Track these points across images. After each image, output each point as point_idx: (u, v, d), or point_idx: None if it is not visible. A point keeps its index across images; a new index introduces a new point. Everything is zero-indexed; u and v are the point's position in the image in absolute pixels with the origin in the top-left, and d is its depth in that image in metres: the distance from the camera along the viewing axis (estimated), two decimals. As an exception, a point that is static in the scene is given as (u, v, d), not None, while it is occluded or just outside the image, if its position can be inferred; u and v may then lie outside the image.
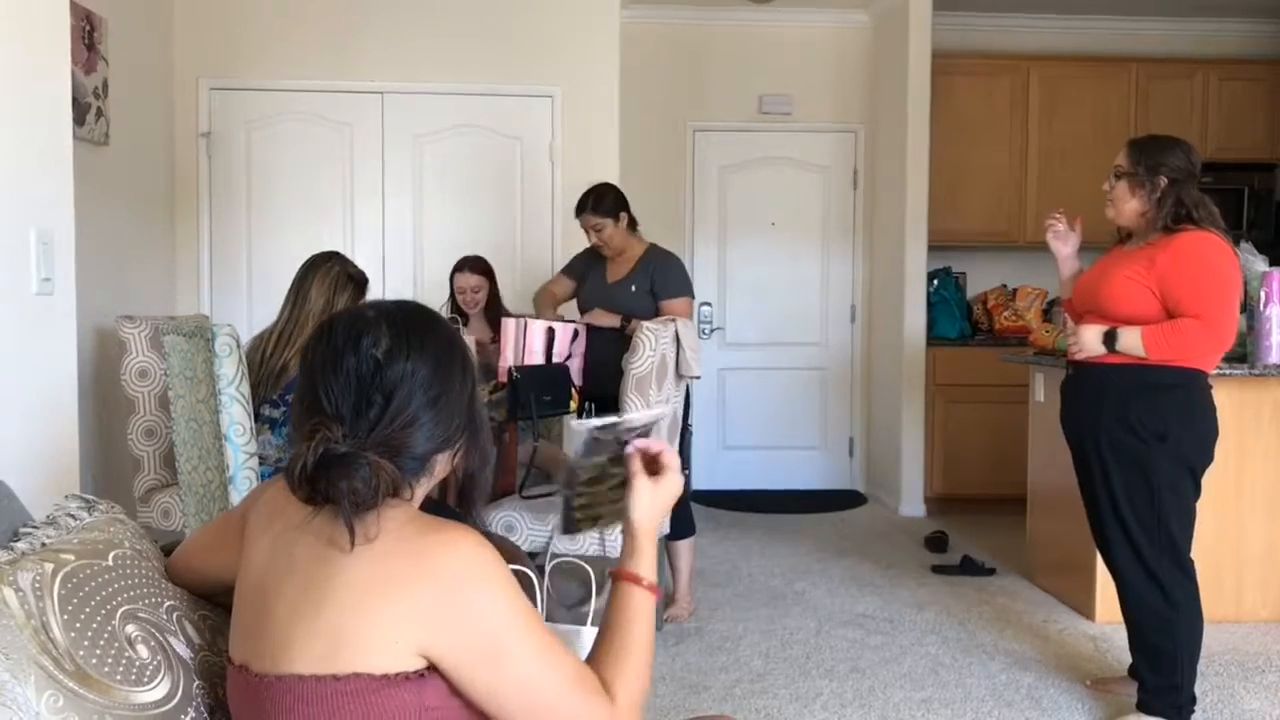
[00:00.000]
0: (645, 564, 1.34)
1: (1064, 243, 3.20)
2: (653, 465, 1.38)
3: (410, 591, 1.16)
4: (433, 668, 1.17)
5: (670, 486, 1.38)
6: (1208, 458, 2.89)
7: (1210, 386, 2.87)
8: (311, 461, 1.18)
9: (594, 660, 1.28)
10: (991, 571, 4.58)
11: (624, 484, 1.37)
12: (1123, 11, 6.25)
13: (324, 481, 1.17)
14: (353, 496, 1.16)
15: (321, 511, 1.20)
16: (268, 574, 1.23)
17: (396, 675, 1.15)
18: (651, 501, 1.36)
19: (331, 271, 3.13)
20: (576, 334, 3.78)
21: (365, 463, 1.18)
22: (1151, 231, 2.89)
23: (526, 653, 1.18)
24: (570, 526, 1.39)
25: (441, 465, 1.30)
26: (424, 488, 1.29)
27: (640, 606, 1.32)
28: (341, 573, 1.17)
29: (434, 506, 1.33)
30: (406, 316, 1.29)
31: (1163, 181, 2.85)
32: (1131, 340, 2.81)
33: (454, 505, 1.37)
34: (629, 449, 1.37)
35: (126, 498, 3.83)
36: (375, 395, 1.22)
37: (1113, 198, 2.96)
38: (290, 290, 3.17)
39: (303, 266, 3.19)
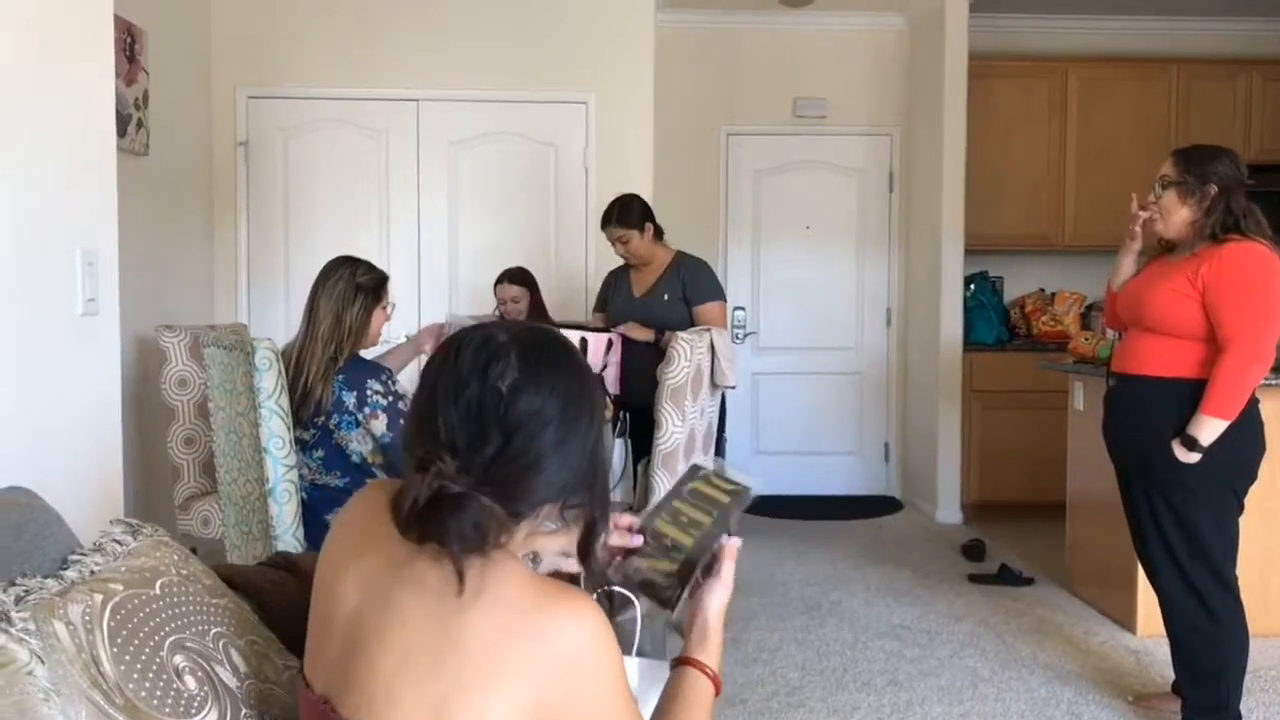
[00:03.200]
0: (714, 654, 1.34)
1: (1135, 250, 3.12)
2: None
3: (531, 673, 1.09)
4: None
5: (729, 580, 1.39)
6: (1252, 473, 2.84)
7: (1258, 401, 2.81)
8: (424, 498, 1.11)
9: None
10: (1030, 581, 4.53)
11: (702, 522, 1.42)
12: (1163, 11, 6.15)
13: (434, 522, 1.11)
14: (461, 541, 1.09)
15: (422, 552, 1.13)
16: (362, 612, 1.17)
17: None
18: (725, 598, 1.37)
19: (338, 285, 2.93)
20: (611, 343, 3.77)
21: (478, 505, 1.11)
22: (1199, 241, 2.84)
23: None
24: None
25: (545, 514, 1.22)
26: (521, 534, 1.21)
27: (704, 696, 1.31)
28: (460, 643, 1.10)
29: None
30: (540, 347, 1.19)
31: (1212, 189, 2.81)
32: (1205, 426, 2.73)
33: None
34: (730, 540, 1.40)
35: (166, 505, 3.87)
36: (494, 431, 1.13)
37: (1161, 208, 2.91)
38: (306, 305, 2.99)
39: (316, 278, 3.00)
